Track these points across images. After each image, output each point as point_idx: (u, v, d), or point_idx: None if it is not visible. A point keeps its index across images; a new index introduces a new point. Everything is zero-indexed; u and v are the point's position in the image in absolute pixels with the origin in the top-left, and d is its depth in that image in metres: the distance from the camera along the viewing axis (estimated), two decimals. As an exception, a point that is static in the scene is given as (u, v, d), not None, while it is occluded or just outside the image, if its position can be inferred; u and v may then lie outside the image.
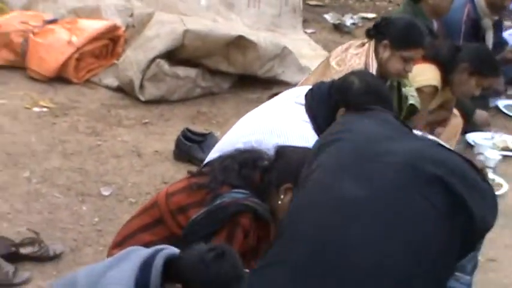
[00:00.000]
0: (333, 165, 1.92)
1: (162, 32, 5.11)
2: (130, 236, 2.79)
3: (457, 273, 1.92)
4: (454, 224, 1.80)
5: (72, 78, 5.13)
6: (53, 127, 4.43)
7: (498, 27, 5.80)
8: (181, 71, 5.12)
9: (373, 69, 3.81)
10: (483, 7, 5.34)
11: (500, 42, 5.89)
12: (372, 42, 3.89)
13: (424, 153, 1.87)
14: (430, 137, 2.12)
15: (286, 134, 3.06)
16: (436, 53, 4.35)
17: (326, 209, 1.81)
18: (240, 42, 5.31)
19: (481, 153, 4.65)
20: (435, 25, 5.03)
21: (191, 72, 5.19)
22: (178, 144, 4.27)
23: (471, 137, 4.92)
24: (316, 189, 1.92)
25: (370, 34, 3.91)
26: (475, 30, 5.36)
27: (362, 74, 3.23)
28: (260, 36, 5.50)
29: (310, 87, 3.30)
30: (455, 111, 4.72)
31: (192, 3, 6.31)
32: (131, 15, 5.64)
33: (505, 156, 4.83)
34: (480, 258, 3.37)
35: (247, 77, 5.42)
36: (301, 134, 3.05)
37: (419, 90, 4.26)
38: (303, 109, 3.15)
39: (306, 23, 7.36)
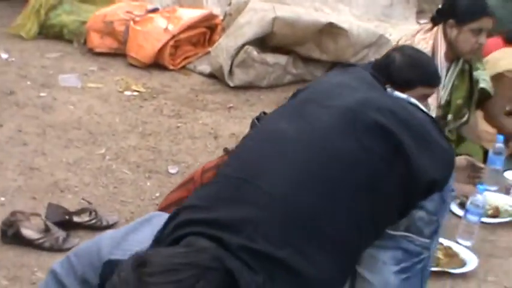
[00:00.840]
0: (282, 109, 1.94)
1: (253, 19, 5.23)
2: (167, 207, 2.92)
3: (411, 235, 1.87)
4: (394, 170, 1.77)
5: (168, 65, 5.35)
6: (139, 110, 4.64)
7: None
8: (271, 57, 5.21)
9: (441, 52, 3.76)
10: None
11: None
12: (440, 26, 3.82)
13: (373, 101, 1.83)
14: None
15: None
16: (522, 36, 4.21)
17: (255, 142, 1.84)
18: (331, 30, 5.33)
19: None
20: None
21: (281, 59, 5.27)
22: (252, 126, 4.34)
23: None
24: (257, 129, 1.96)
25: (435, 19, 3.85)
26: None
27: (404, 48, 3.18)
28: (353, 24, 5.49)
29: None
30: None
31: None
32: (229, 4, 5.79)
33: None
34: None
35: (342, 65, 5.41)
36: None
37: (501, 75, 4.15)
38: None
39: (422, 13, 7.22)
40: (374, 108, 1.80)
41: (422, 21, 7.03)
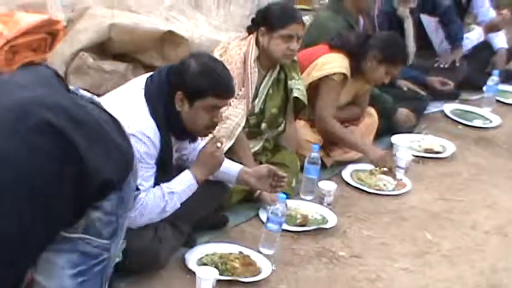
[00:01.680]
0: None
1: (90, 25, 5.14)
2: None
3: (89, 237, 1.83)
4: (64, 169, 1.73)
5: (3, 70, 5.19)
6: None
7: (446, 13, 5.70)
8: (108, 65, 5.12)
9: (251, 58, 3.81)
10: None
11: (452, 37, 5.79)
12: (254, 35, 3.87)
13: (43, 99, 1.77)
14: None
15: (121, 118, 3.01)
16: (344, 42, 4.29)
17: None
18: (173, 39, 5.29)
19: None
20: (361, 21, 4.94)
21: (120, 66, 5.18)
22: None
23: (397, 137, 4.79)
24: None
25: (249, 28, 3.90)
26: (391, 23, 5.26)
27: (200, 56, 3.17)
28: (196, 33, 5.47)
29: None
30: (371, 110, 4.63)
31: (149, 0, 6.32)
32: (73, 10, 5.68)
33: (426, 158, 4.73)
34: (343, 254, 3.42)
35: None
36: (136, 118, 3.02)
37: (328, 78, 4.26)
38: (142, 93, 3.12)
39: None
40: (44, 107, 1.74)
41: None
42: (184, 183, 3.16)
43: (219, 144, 3.23)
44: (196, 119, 3.06)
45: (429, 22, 5.92)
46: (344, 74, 4.24)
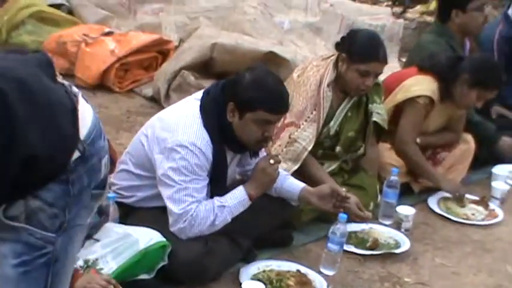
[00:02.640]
0: None
1: (194, 45, 5.26)
2: None
3: (31, 227, 1.79)
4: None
5: (113, 87, 5.41)
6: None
7: None
8: (207, 83, 5.17)
9: (325, 82, 3.71)
10: None
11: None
12: (334, 57, 3.78)
13: (5, 70, 1.75)
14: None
15: (174, 129, 3.07)
16: (434, 64, 4.13)
17: None
18: (275, 59, 5.31)
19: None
20: (467, 44, 4.74)
21: (219, 85, 5.26)
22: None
23: (499, 167, 4.53)
24: None
25: (337, 47, 3.80)
26: None
27: (257, 68, 3.14)
28: (299, 55, 5.46)
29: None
30: (467, 136, 4.41)
31: (266, 24, 6.39)
32: (185, 31, 5.85)
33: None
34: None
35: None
36: (188, 129, 3.05)
37: (413, 100, 4.11)
38: (197, 105, 3.14)
39: (406, 51, 7.14)
40: (2, 76, 1.74)
41: (404, 59, 6.98)
42: (236, 198, 3.13)
43: (271, 161, 3.17)
44: (247, 132, 3.04)
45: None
46: (430, 98, 4.07)
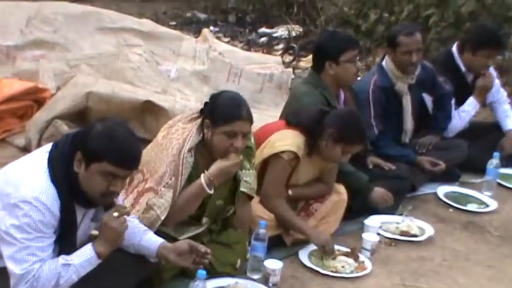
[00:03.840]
0: None
1: (68, 93, 5.12)
2: None
3: None
4: None
5: (-15, 136, 5.21)
6: None
7: (442, 98, 5.49)
8: (82, 133, 5.07)
9: (187, 146, 3.57)
10: (394, 70, 5.07)
11: (436, 123, 5.55)
12: (200, 121, 3.67)
13: None
14: None
15: (18, 184, 2.91)
16: (300, 119, 4.12)
17: None
18: (153, 109, 5.23)
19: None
20: (342, 95, 4.75)
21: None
22: None
23: (372, 218, 4.53)
24: None
25: (201, 112, 3.70)
26: (389, 98, 5.07)
27: (109, 119, 3.02)
28: (177, 103, 5.38)
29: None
30: (339, 187, 4.40)
31: (151, 72, 6.30)
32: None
33: (399, 240, 4.45)
34: None
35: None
36: (33, 184, 2.90)
37: (278, 156, 4.06)
38: (46, 157, 3.00)
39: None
40: None
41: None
42: (83, 256, 2.97)
43: (115, 214, 3.01)
44: (91, 184, 2.91)
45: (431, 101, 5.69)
46: (295, 153, 4.03)
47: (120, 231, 3.03)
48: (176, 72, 6.70)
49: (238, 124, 3.54)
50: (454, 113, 5.64)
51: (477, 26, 6.14)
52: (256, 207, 4.08)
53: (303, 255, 4.09)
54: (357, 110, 4.56)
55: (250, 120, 3.60)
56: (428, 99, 5.63)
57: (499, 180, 5.51)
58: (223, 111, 3.55)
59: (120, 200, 3.22)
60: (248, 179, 3.81)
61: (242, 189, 3.79)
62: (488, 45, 5.51)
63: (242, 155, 3.71)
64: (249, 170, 3.82)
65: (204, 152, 3.64)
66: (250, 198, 3.93)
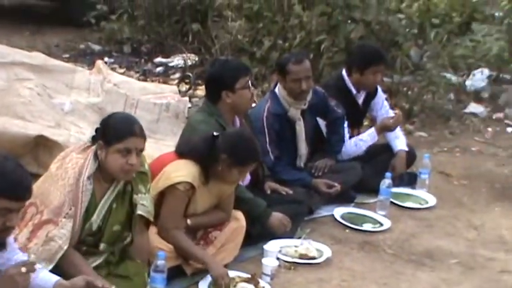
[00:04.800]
0: None
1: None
2: None
3: None
4: None
5: None
6: None
7: (335, 122, 5.62)
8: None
9: (86, 173, 3.59)
10: (286, 97, 5.20)
11: (330, 147, 5.69)
12: (94, 147, 3.67)
13: None
14: None
15: None
16: (191, 149, 4.15)
17: None
18: (47, 143, 5.14)
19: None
20: (237, 121, 4.82)
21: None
22: None
23: (271, 243, 4.59)
24: None
25: (93, 139, 3.71)
26: (282, 124, 5.19)
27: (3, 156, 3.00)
28: (72, 136, 5.32)
29: None
30: (237, 214, 4.44)
31: (43, 106, 6.18)
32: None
33: (298, 263, 4.52)
34: None
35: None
36: None
37: (173, 187, 4.07)
38: None
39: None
40: None
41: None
42: None
43: (23, 269, 2.95)
44: None
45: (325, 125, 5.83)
46: (190, 183, 4.07)
47: (23, 287, 2.98)
48: (70, 106, 6.57)
49: (132, 140, 3.57)
50: (351, 140, 5.80)
51: (358, 46, 6.36)
52: (154, 238, 4.08)
53: (203, 285, 4.09)
54: (246, 130, 4.62)
55: (143, 136, 3.64)
56: (322, 123, 5.78)
57: (392, 200, 5.67)
58: (115, 129, 3.59)
59: (11, 239, 3.16)
60: (145, 202, 3.81)
61: (139, 212, 3.79)
62: (373, 62, 5.72)
63: (137, 180, 3.74)
64: (144, 193, 3.83)
65: (100, 178, 3.65)
66: (148, 223, 3.92)
